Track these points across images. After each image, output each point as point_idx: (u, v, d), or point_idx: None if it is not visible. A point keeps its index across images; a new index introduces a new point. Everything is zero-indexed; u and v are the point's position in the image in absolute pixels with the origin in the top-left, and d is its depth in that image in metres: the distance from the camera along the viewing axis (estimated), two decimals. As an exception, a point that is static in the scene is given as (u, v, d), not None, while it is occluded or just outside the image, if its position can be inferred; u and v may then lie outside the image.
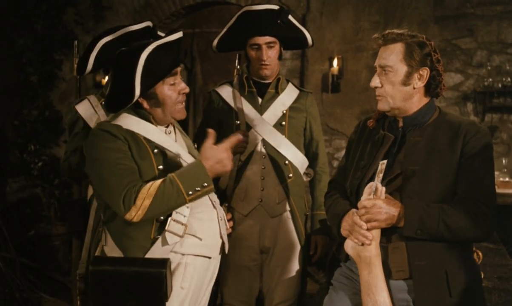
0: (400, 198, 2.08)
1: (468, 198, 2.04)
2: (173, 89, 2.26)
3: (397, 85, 2.12)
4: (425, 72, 2.12)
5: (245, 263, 3.04)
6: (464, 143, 2.07)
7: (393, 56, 2.11)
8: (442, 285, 2.03)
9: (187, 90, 2.30)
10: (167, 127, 2.35)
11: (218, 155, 2.21)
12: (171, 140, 2.33)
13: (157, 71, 2.19)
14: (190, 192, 2.16)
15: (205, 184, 2.18)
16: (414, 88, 2.13)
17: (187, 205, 2.22)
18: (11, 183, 5.98)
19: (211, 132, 2.26)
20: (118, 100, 2.24)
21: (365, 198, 2.07)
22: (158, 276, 2.13)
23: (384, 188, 2.05)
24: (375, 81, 2.16)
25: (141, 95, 2.21)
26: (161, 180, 2.16)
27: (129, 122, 2.25)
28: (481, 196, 2.04)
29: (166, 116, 2.29)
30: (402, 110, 2.16)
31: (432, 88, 2.16)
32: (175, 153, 2.29)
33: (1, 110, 5.94)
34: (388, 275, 2.08)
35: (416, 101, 2.15)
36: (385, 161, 2.11)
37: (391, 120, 2.24)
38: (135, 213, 2.13)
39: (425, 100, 2.18)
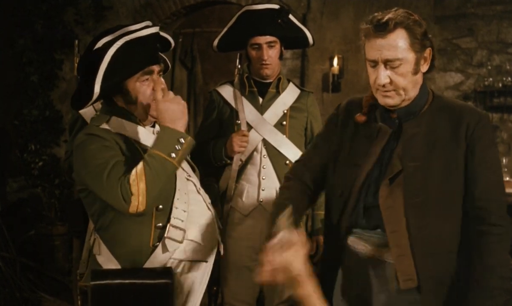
0: (403, 197, 1.93)
1: (481, 209, 1.92)
2: (147, 85, 2.16)
3: (409, 76, 1.90)
4: (428, 52, 1.93)
5: (245, 263, 3.03)
6: (468, 133, 1.92)
7: (400, 46, 1.87)
8: (450, 290, 1.94)
9: (163, 86, 2.18)
10: (153, 126, 2.27)
11: (171, 109, 2.11)
12: None
13: (125, 68, 2.10)
14: (173, 154, 2.06)
15: (181, 139, 2.08)
16: (421, 72, 1.95)
17: (184, 209, 2.17)
18: (12, 182, 5.98)
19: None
20: (80, 97, 2.15)
21: None
22: (165, 287, 2.05)
23: None
24: (385, 78, 1.90)
25: (111, 93, 2.14)
26: (140, 162, 2.06)
27: (117, 125, 2.17)
28: (495, 202, 1.93)
29: (144, 114, 2.20)
30: (410, 98, 1.96)
31: (432, 67, 1.97)
32: None
33: (1, 110, 5.94)
34: (396, 284, 1.96)
35: (419, 85, 1.97)
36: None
37: (381, 110, 2.01)
38: (137, 202, 2.01)
39: (421, 81, 1.98)
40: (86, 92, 2.09)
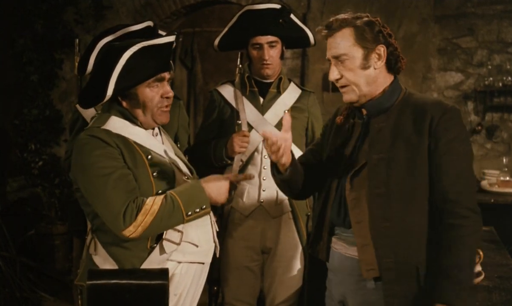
0: (367, 190, 2.00)
1: (450, 202, 1.95)
2: (156, 91, 2.18)
3: (358, 71, 2.01)
4: (382, 49, 2.02)
5: (246, 263, 3.03)
6: (432, 126, 1.96)
7: (344, 43, 2.00)
8: (412, 281, 1.97)
9: (170, 94, 2.21)
10: (153, 129, 2.28)
11: (219, 184, 2.22)
12: (160, 143, 2.28)
13: (138, 73, 2.11)
14: (190, 213, 2.12)
15: (204, 206, 2.16)
16: (375, 69, 2.03)
17: None
18: (12, 182, 5.98)
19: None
20: (90, 96, 2.16)
21: None
22: (161, 288, 2.05)
23: None
24: (334, 74, 2.05)
25: (120, 95, 2.15)
26: (162, 196, 2.10)
27: (118, 126, 2.16)
28: (464, 194, 1.96)
29: (148, 119, 2.21)
30: (369, 95, 2.05)
31: (392, 64, 2.05)
32: (165, 157, 2.24)
33: (1, 110, 5.94)
34: (359, 274, 2.04)
35: (380, 82, 2.05)
36: None
37: (356, 110, 2.14)
38: (134, 230, 2.04)
39: (390, 79, 2.07)
40: (97, 92, 2.10)
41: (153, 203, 2.07)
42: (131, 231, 2.05)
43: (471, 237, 1.95)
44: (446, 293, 1.91)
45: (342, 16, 2.05)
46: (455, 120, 1.99)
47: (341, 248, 2.12)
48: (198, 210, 2.14)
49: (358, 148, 2.08)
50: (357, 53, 2.01)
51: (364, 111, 2.10)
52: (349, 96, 2.06)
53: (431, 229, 2.00)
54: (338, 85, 2.07)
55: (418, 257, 1.98)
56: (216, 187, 2.20)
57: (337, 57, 2.03)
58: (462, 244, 1.93)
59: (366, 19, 2.04)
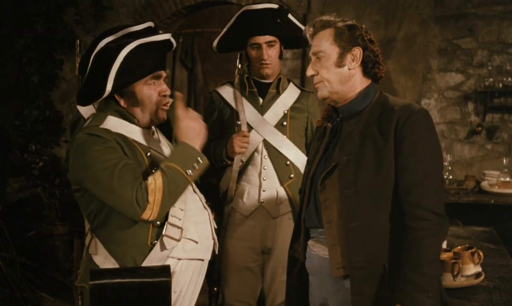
0: (338, 190, 2.03)
1: (411, 203, 1.96)
2: (154, 89, 2.19)
3: (332, 68, 2.08)
4: (358, 51, 2.07)
5: (246, 264, 3.04)
6: (398, 127, 1.98)
7: (323, 41, 2.08)
8: (380, 280, 1.98)
9: (168, 92, 2.22)
10: (149, 128, 2.29)
11: (193, 128, 2.19)
12: (157, 141, 2.29)
13: (136, 70, 2.13)
14: (190, 171, 2.12)
15: (199, 158, 2.15)
16: (349, 69, 2.08)
17: (181, 207, 2.18)
18: (12, 183, 5.98)
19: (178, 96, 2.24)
20: (89, 93, 2.17)
21: None
22: (164, 285, 2.07)
23: None
24: (310, 70, 2.12)
25: (117, 92, 2.16)
26: (158, 171, 2.10)
27: (116, 125, 2.17)
28: (427, 196, 1.96)
29: (146, 117, 2.22)
30: (341, 94, 2.10)
31: (369, 68, 2.10)
32: (163, 155, 2.25)
33: (2, 110, 5.94)
34: (329, 273, 2.06)
35: (355, 84, 2.10)
36: None
37: (333, 112, 2.19)
38: (151, 212, 2.06)
39: (366, 83, 2.12)
40: (96, 89, 2.11)
41: (154, 180, 2.08)
42: (148, 214, 2.06)
43: (431, 239, 1.94)
44: (402, 295, 1.92)
45: (325, 17, 2.13)
46: (421, 121, 2.00)
47: (319, 250, 2.14)
48: (196, 165, 2.14)
49: (331, 150, 2.12)
50: (333, 51, 2.08)
51: (339, 115, 2.16)
52: (321, 93, 2.12)
53: (399, 230, 2.00)
54: (314, 81, 2.14)
55: (387, 257, 1.99)
56: (194, 132, 2.18)
57: (315, 54, 2.10)
58: (420, 247, 1.93)
59: (348, 22, 2.11)
